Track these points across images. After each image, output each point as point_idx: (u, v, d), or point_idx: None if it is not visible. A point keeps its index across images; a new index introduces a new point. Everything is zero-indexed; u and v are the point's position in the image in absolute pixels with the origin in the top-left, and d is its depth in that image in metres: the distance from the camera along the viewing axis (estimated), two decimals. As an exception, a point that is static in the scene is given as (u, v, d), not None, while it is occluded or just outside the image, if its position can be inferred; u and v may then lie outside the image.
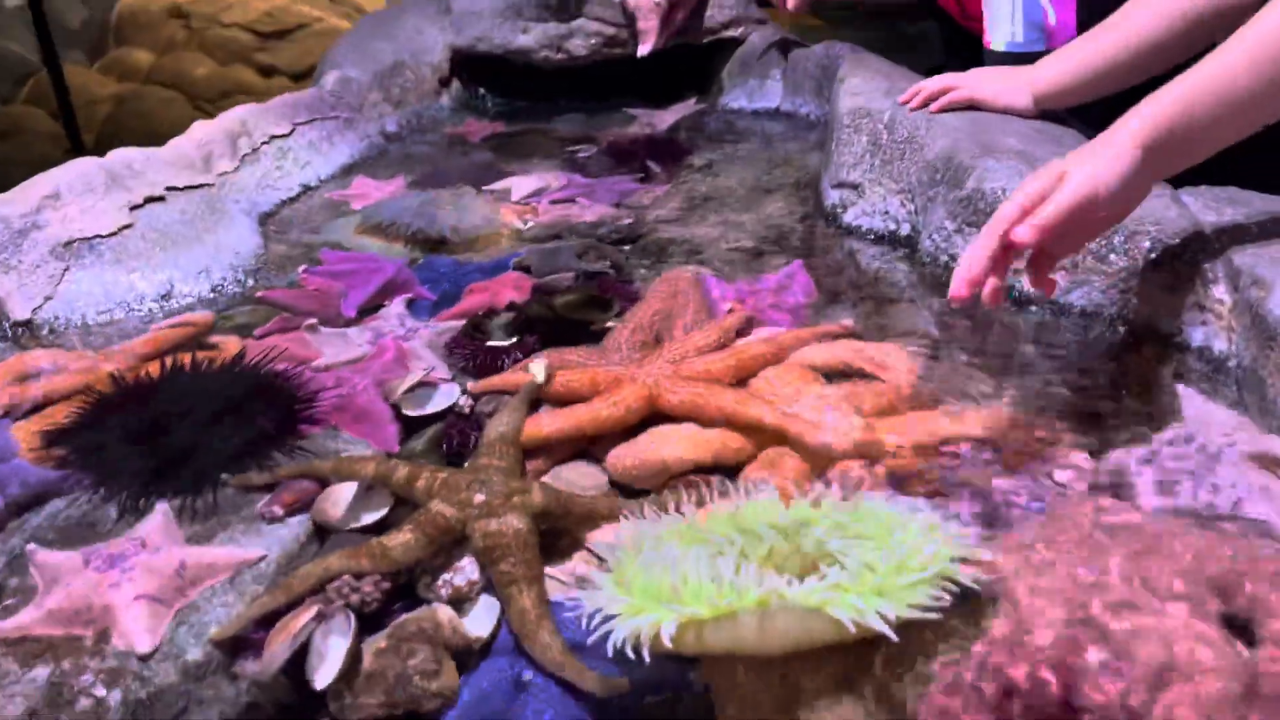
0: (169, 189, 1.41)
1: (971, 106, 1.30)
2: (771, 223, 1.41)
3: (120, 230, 1.31)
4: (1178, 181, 1.07)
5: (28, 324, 1.22)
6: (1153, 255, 0.95)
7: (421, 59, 2.18)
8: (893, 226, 1.27)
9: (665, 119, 2.07)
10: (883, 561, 0.68)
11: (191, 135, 1.57)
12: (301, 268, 1.34)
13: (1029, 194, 0.84)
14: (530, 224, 1.50)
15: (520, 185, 1.66)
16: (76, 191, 1.32)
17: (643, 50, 2.02)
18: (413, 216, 1.49)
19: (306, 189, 1.68)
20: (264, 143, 1.66)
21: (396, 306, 1.24)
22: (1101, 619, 0.65)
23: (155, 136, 1.53)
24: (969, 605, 0.68)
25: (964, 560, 0.70)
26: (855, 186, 1.32)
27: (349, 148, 1.83)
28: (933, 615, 0.65)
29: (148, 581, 0.78)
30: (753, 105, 2.06)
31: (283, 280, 1.32)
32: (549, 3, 2.15)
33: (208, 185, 1.47)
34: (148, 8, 7.44)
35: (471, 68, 2.27)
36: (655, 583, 0.70)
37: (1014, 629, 0.66)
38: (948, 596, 0.67)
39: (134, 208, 1.35)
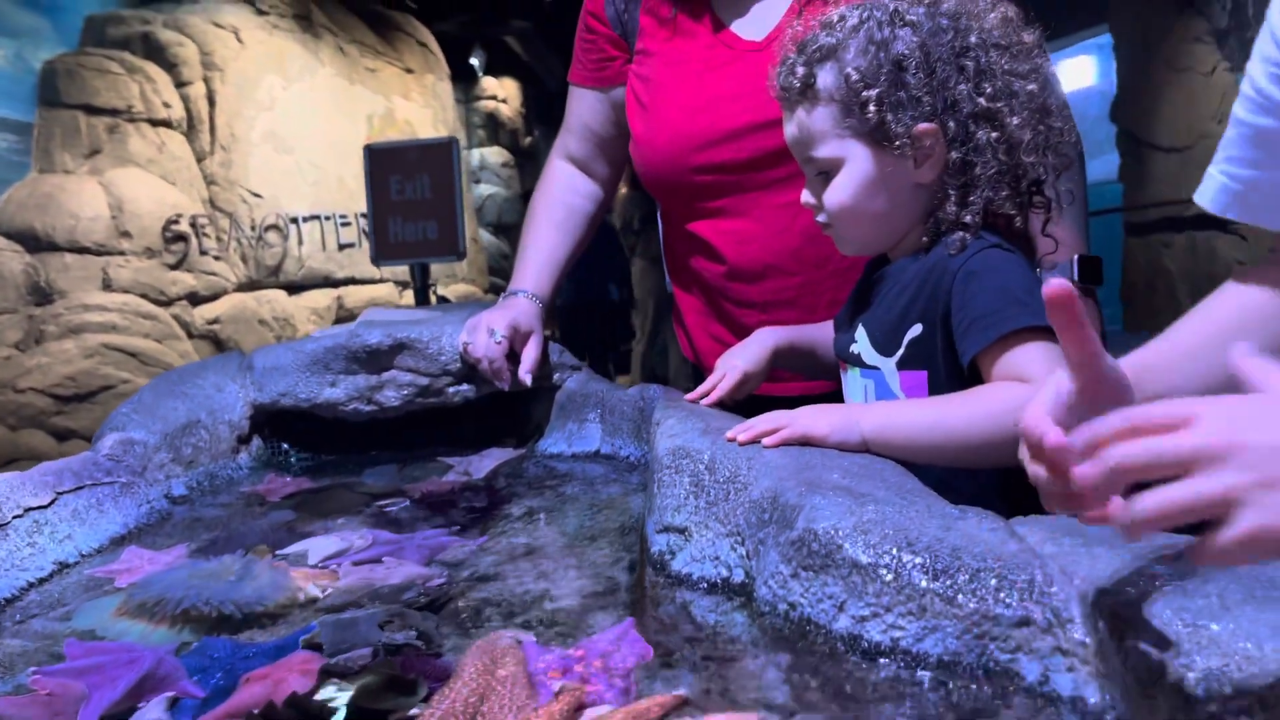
0: (-121, 580, 1.18)
1: (804, 443, 1.28)
2: (598, 573, 1.30)
3: None
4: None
5: None
6: (1002, 595, 0.88)
7: (219, 417, 2.05)
8: (725, 573, 1.18)
9: (483, 465, 1.98)
10: None
11: (-77, 512, 1.36)
12: (32, 669, 1.11)
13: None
14: (329, 590, 1.33)
15: (319, 547, 1.50)
16: None
17: (504, 386, 2.03)
18: (185, 590, 1.29)
19: (63, 566, 1.45)
20: (15, 516, 1.45)
21: (154, 710, 1.02)
22: None
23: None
24: None
25: None
26: (682, 530, 1.23)
27: (123, 515, 1.64)
28: None
29: None
30: (572, 449, 2.01)
31: (8, 685, 1.08)
32: (358, 355, 2.10)
33: (-67, 572, 1.25)
34: (-70, 379, 7.04)
35: (275, 423, 2.15)
36: None
37: None
38: None
39: None
